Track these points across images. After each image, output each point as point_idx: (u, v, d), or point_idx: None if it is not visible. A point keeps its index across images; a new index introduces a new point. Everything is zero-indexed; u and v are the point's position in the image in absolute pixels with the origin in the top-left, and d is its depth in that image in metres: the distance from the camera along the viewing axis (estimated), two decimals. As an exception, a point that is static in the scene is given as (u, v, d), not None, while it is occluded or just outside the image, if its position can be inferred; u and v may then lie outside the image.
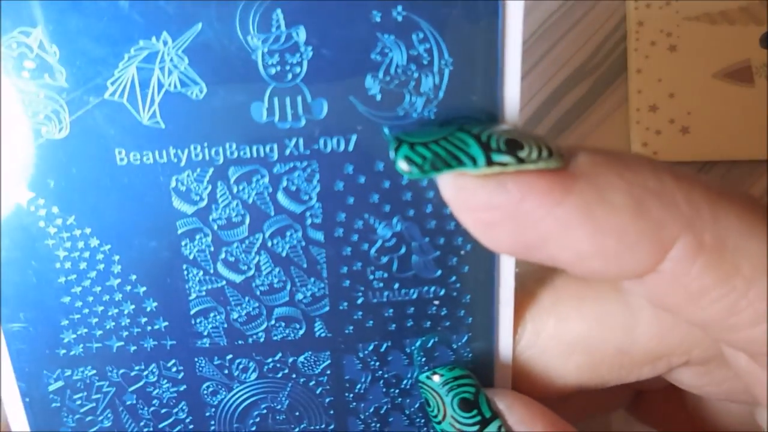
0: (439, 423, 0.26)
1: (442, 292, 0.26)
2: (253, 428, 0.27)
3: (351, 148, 0.24)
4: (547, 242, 0.22)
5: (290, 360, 0.26)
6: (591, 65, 0.51)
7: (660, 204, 0.21)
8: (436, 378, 0.26)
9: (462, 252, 0.25)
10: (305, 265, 0.25)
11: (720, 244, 0.21)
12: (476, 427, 0.25)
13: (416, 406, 0.27)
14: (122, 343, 0.25)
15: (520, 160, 0.21)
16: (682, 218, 0.21)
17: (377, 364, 0.27)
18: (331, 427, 0.27)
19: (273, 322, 0.26)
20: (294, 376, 0.27)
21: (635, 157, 0.22)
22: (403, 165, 0.22)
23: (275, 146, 0.24)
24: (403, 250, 0.25)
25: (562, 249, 0.22)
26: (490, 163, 0.21)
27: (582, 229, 0.21)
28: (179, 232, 0.24)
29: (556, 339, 0.27)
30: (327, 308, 0.26)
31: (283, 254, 0.25)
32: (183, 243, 0.24)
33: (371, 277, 0.25)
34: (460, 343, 0.27)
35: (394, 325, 0.26)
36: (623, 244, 0.21)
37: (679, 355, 0.26)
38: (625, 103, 0.50)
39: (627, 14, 0.50)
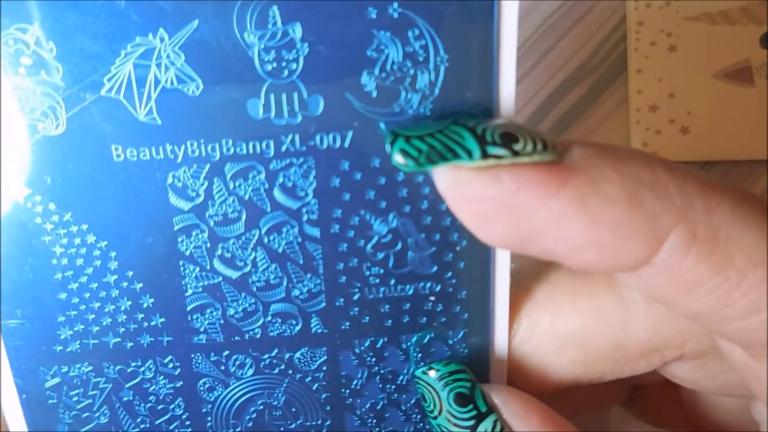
0: (435, 418, 0.26)
1: (438, 288, 0.26)
2: (250, 424, 0.27)
3: (347, 144, 0.24)
4: (542, 234, 0.22)
5: (287, 356, 0.26)
6: (591, 65, 0.51)
7: (654, 196, 0.21)
8: (432, 373, 0.26)
9: (458, 248, 0.25)
10: (301, 262, 0.25)
11: (713, 235, 0.21)
12: (472, 422, 0.25)
13: (412, 401, 0.27)
14: (119, 339, 0.25)
15: (516, 153, 0.21)
16: (675, 210, 0.21)
17: (373, 360, 0.27)
18: (328, 422, 0.27)
19: (269, 318, 0.26)
20: (290, 372, 0.27)
21: (629, 151, 0.22)
22: (398, 158, 0.22)
23: (271, 143, 0.24)
24: (399, 246, 0.25)
25: (557, 241, 0.22)
26: (485, 155, 0.21)
27: (577, 221, 0.21)
28: (176, 228, 0.24)
29: (550, 334, 0.27)
30: (323, 304, 0.26)
31: (280, 250, 0.25)
32: (179, 239, 0.24)
33: (367, 273, 0.26)
34: (455, 339, 0.27)
35: (390, 321, 0.26)
36: (618, 235, 0.21)
37: (673, 348, 0.26)
38: (625, 103, 0.50)
39: (627, 14, 0.50)
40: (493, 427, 0.25)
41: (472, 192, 0.22)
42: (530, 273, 0.28)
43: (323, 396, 0.27)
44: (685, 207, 0.21)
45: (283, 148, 0.24)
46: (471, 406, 0.26)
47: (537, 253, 0.23)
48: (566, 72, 0.51)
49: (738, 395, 0.28)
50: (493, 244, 0.23)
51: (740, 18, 0.49)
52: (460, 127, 0.22)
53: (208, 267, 0.25)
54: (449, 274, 0.26)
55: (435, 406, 0.26)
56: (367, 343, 0.27)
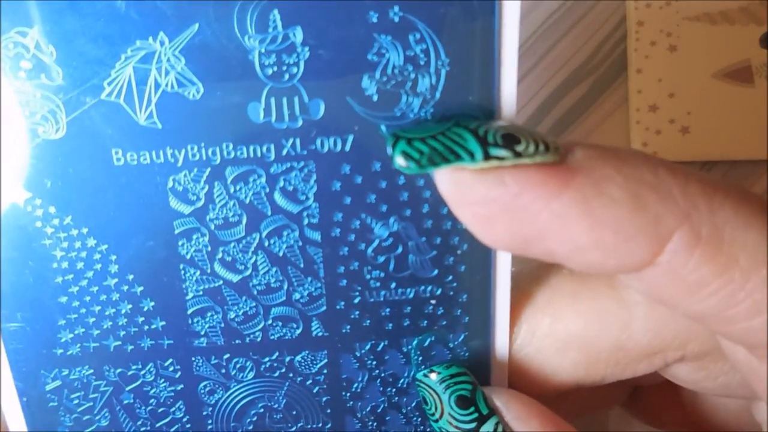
0: (437, 421, 0.26)
1: (439, 292, 0.26)
2: (250, 427, 0.27)
3: (348, 148, 0.24)
4: (544, 236, 0.22)
5: (287, 359, 0.26)
6: (591, 65, 0.51)
7: (657, 197, 0.21)
8: (434, 376, 0.26)
9: (458, 251, 0.25)
10: (302, 265, 0.25)
11: (717, 236, 0.21)
12: (473, 425, 0.25)
13: (413, 404, 0.27)
14: (119, 342, 0.25)
15: (518, 155, 0.21)
16: (678, 211, 0.21)
17: (374, 363, 0.27)
18: (328, 425, 0.27)
19: (270, 321, 0.26)
20: (291, 375, 0.27)
21: (631, 152, 0.22)
22: (400, 161, 0.22)
23: (272, 146, 0.24)
24: (399, 249, 0.25)
25: (560, 242, 0.22)
26: (487, 157, 0.21)
27: (580, 223, 0.21)
28: (176, 231, 0.24)
29: (551, 337, 0.27)
30: (324, 308, 0.26)
31: (280, 254, 0.25)
32: (180, 243, 0.24)
33: (368, 276, 0.26)
34: (456, 342, 0.27)
35: (390, 325, 0.26)
36: (621, 236, 0.21)
37: (674, 350, 0.26)
38: (625, 103, 0.50)
39: (627, 14, 0.50)
40: (495, 430, 0.25)
41: (475, 194, 0.22)
42: (530, 276, 0.28)
43: (324, 399, 0.27)
44: (688, 208, 0.21)
45: (284, 152, 0.24)
46: (472, 409, 0.26)
47: (539, 254, 0.23)
48: (566, 72, 0.51)
49: (739, 396, 0.28)
50: (495, 246, 0.23)
51: (740, 18, 0.49)
52: (462, 129, 0.22)
53: (209, 270, 0.25)
54: (450, 277, 0.26)
55: (436, 409, 0.26)
56: (368, 347, 0.26)
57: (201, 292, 0.25)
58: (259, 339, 0.26)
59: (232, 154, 0.24)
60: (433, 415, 0.26)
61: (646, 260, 0.22)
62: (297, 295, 0.26)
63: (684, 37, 0.49)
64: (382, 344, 0.27)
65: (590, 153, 0.22)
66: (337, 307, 0.26)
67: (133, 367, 0.26)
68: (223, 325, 0.26)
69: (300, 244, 0.25)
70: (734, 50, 0.48)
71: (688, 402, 0.33)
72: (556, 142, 0.22)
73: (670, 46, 0.49)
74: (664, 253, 0.21)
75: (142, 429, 0.27)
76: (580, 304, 0.27)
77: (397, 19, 0.23)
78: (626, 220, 0.21)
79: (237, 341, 0.26)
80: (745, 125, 0.47)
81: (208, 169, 0.24)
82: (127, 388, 0.26)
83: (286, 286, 0.25)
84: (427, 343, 0.27)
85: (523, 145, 0.22)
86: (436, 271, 0.26)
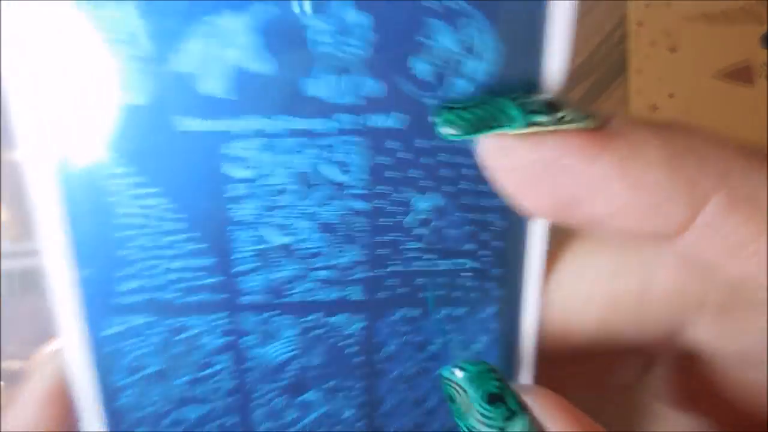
0: (463, 419, 0.26)
1: (473, 265, 0.27)
2: (286, 382, 0.28)
3: (394, 125, 0.25)
4: (583, 199, 0.23)
5: (324, 321, 0.28)
6: (591, 65, 0.52)
7: (695, 159, 0.22)
8: (460, 372, 0.26)
9: (495, 228, 0.27)
10: (345, 233, 0.26)
11: (755, 196, 0.22)
12: (502, 422, 0.25)
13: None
14: (173, 295, 0.27)
15: (558, 120, 0.22)
16: (717, 173, 0.22)
17: (406, 329, 0.28)
18: (359, 385, 0.29)
19: (311, 284, 0.27)
20: (327, 336, 0.28)
21: (668, 120, 0.23)
22: (445, 128, 0.23)
23: (323, 120, 0.25)
24: (437, 223, 0.27)
25: (599, 206, 0.23)
26: (529, 123, 0.22)
27: (618, 184, 0.22)
28: (229, 195, 0.25)
29: (575, 295, 0.27)
30: (362, 274, 0.27)
31: (326, 222, 0.26)
32: (232, 206, 0.26)
33: (406, 246, 0.27)
34: (487, 315, 0.28)
35: (424, 294, 0.27)
36: (659, 198, 0.22)
37: (696, 305, 0.27)
38: (625, 103, 0.51)
39: (627, 14, 0.51)
40: (524, 427, 0.25)
41: (516, 158, 0.23)
42: (555, 239, 0.28)
43: (356, 360, 0.28)
44: (726, 169, 0.22)
45: (334, 126, 0.25)
46: (501, 406, 0.25)
47: (578, 220, 0.23)
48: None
49: (758, 361, 0.28)
50: (535, 212, 0.24)
51: (740, 18, 0.49)
52: (504, 98, 0.23)
53: (258, 233, 0.26)
54: (485, 252, 0.27)
55: (463, 406, 0.26)
56: (402, 314, 0.28)
57: (250, 254, 0.26)
58: (299, 300, 0.27)
59: (286, 126, 0.25)
60: (459, 412, 0.26)
61: (684, 222, 0.22)
62: (338, 261, 0.27)
63: (684, 37, 0.50)
64: (414, 312, 0.28)
65: (628, 120, 0.23)
66: (375, 274, 0.27)
67: (184, 319, 0.27)
68: (268, 284, 0.27)
69: (344, 213, 0.26)
70: (734, 50, 0.49)
71: (707, 380, 0.31)
72: (595, 111, 0.23)
73: (670, 46, 0.50)
74: (702, 213, 0.22)
75: (185, 378, 0.28)
76: (602, 259, 0.27)
77: (450, 3, 0.24)
78: (664, 182, 0.22)
79: (280, 301, 0.27)
80: (745, 125, 0.48)
81: (262, 140, 0.25)
82: (177, 338, 0.27)
83: (328, 252, 0.27)
84: (457, 314, 0.28)
85: (563, 112, 0.23)
86: (471, 246, 0.27)
